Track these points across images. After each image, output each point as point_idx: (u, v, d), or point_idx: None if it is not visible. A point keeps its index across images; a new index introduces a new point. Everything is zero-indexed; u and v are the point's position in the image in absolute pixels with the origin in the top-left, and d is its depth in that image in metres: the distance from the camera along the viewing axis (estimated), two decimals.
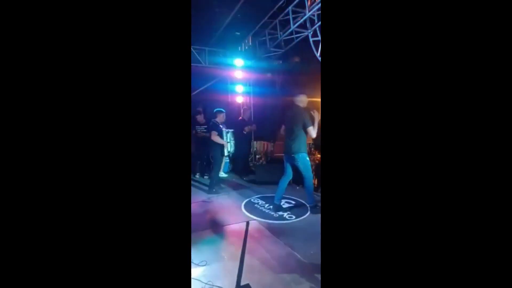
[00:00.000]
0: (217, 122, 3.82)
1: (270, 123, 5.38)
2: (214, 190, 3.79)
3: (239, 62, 5.62)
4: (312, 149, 4.37)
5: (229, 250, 2.21)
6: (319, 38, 4.36)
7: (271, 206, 3.15)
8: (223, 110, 3.97)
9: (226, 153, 3.84)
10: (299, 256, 2.10)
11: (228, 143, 3.88)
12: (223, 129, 3.88)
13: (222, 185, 4.02)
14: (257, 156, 5.70)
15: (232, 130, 4.17)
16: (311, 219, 2.90)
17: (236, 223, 2.77)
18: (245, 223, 2.74)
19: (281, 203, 3.19)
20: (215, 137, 3.69)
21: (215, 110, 3.91)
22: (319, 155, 4.66)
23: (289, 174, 3.10)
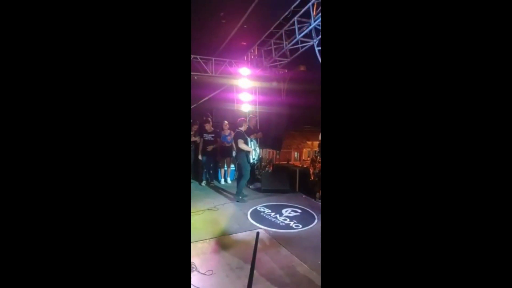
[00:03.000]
0: (241, 130, 3.92)
1: (275, 131, 5.39)
2: (240, 197, 3.82)
3: (245, 71, 5.70)
4: (318, 157, 4.35)
5: (235, 259, 2.18)
6: None
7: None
8: (246, 119, 4.16)
9: (251, 160, 3.91)
10: (306, 266, 2.06)
11: (253, 150, 3.95)
12: (247, 137, 3.95)
13: (245, 193, 4.02)
14: (263, 164, 5.69)
15: (255, 138, 4.26)
16: (318, 228, 2.85)
17: (242, 232, 2.74)
18: (250, 232, 2.71)
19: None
20: (243, 145, 3.78)
21: (239, 120, 4.06)
22: None
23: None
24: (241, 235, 2.66)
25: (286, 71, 6.24)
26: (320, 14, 3.81)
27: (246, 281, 1.84)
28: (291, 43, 4.56)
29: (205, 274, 1.91)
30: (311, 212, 3.35)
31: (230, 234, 2.67)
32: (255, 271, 1.98)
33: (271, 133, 5.40)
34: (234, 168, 5.15)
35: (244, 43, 5.12)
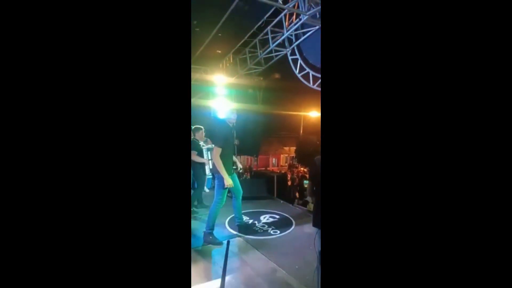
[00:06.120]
0: (196, 140, 3.62)
1: (252, 138, 5.43)
2: (195, 205, 3.68)
3: (220, 78, 5.71)
4: (295, 162, 4.45)
5: (214, 269, 2.14)
6: (297, 56, 4.57)
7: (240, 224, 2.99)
8: (202, 127, 3.82)
9: (208, 172, 3.67)
10: (284, 271, 2.07)
11: (210, 161, 3.67)
12: (204, 147, 3.71)
13: (206, 204, 3.88)
14: (240, 171, 5.68)
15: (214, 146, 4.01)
16: (296, 233, 2.89)
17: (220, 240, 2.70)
18: (228, 240, 2.68)
19: (243, 221, 3.04)
20: (195, 157, 3.50)
21: (193, 128, 3.74)
22: (302, 168, 4.73)
23: (236, 192, 2.87)
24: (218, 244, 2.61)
25: (262, 78, 6.36)
26: (292, 24, 3.97)
27: None
28: (265, 52, 4.67)
29: None
30: (289, 217, 3.39)
31: (208, 244, 2.61)
32: (233, 280, 1.95)
33: (247, 140, 5.43)
34: (210, 177, 5.07)
35: (219, 51, 5.16)
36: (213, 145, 3.28)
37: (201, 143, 3.76)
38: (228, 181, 2.53)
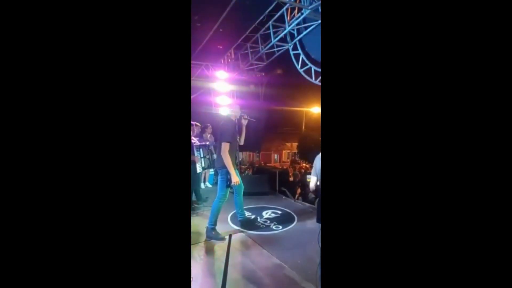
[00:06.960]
0: None
1: (254, 134, 5.42)
2: (194, 201, 3.70)
3: (222, 74, 5.69)
4: (297, 158, 4.44)
5: (216, 264, 2.16)
6: (299, 51, 4.53)
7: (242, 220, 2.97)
8: (196, 124, 3.80)
9: (199, 170, 3.62)
10: (286, 266, 2.08)
11: (201, 158, 3.60)
12: (195, 144, 3.65)
13: (204, 197, 3.89)
14: (243, 167, 5.70)
15: (208, 144, 3.82)
16: (298, 229, 2.90)
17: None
18: (232, 236, 2.69)
19: (245, 216, 3.01)
20: None
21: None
22: (304, 164, 4.73)
23: (238, 188, 2.81)
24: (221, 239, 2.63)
25: (263, 74, 6.33)
26: (294, 19, 3.92)
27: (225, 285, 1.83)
28: (267, 47, 4.63)
29: None
30: (291, 212, 3.40)
31: (210, 239, 2.63)
32: (234, 275, 1.97)
33: (250, 136, 5.42)
34: (213, 172, 5.09)
35: (221, 47, 5.13)
36: (208, 142, 3.25)
37: (194, 139, 3.77)
38: (235, 178, 2.54)
